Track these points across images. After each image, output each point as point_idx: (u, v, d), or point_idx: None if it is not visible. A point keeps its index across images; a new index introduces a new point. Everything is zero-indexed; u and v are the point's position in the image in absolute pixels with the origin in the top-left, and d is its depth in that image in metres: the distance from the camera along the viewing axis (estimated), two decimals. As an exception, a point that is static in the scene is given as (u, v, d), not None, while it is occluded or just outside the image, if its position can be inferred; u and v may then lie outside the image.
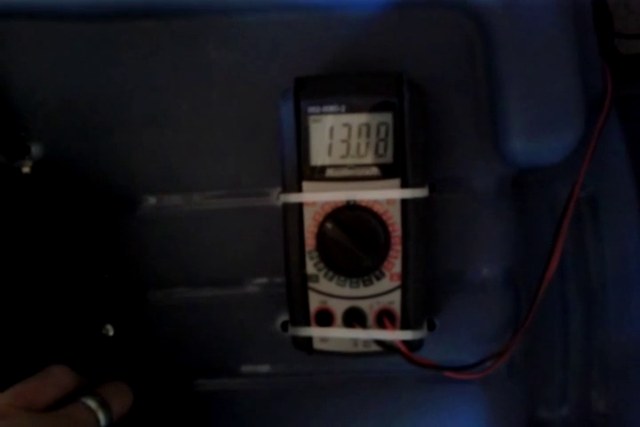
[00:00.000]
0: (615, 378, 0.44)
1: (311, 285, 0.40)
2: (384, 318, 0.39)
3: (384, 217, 0.39)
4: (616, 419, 0.44)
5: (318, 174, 0.39)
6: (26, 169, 0.43)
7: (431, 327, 0.43)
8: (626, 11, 0.85)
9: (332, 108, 0.38)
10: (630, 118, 0.47)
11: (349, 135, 0.38)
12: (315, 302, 0.40)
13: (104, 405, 0.35)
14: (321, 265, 0.39)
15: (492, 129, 0.43)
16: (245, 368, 0.44)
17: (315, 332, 0.40)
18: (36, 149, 0.44)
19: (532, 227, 0.45)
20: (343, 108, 0.38)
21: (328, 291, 0.39)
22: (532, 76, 0.41)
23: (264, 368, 0.44)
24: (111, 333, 0.43)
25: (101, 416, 0.35)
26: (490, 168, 0.43)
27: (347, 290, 0.39)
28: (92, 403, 0.35)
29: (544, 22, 0.41)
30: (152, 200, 0.44)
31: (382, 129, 0.38)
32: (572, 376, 0.45)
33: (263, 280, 0.44)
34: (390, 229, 0.39)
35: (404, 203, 0.38)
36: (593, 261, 0.45)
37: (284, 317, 0.43)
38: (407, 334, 0.39)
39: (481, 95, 0.43)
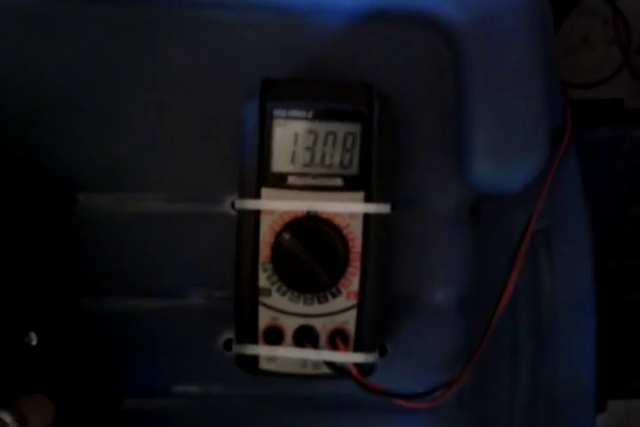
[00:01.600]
0: (561, 414, 0.44)
1: (262, 299, 0.37)
2: (337, 339, 0.37)
3: (345, 231, 0.37)
4: (560, 458, 0.43)
5: (279, 182, 0.37)
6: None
7: (382, 352, 0.41)
8: (572, 62, 0.88)
9: (298, 112, 0.37)
10: (580, 159, 0.48)
11: (315, 143, 0.37)
12: (264, 317, 0.37)
13: (21, 419, 0.32)
14: (274, 278, 0.37)
15: (455, 151, 0.42)
16: (180, 388, 0.41)
17: (262, 350, 0.37)
18: (-32, 138, 0.40)
19: (487, 256, 0.44)
20: (310, 113, 0.37)
21: (280, 307, 0.37)
22: (499, 100, 0.41)
23: (201, 389, 0.41)
24: (34, 342, 0.40)
25: (17, 432, 0.31)
26: (450, 191, 0.42)
27: (300, 307, 0.37)
28: (7, 417, 0.31)
29: (514, 44, 0.41)
30: (91, 198, 0.41)
31: (349, 139, 0.37)
32: (519, 408, 0.44)
33: (207, 293, 0.41)
34: (350, 244, 0.37)
35: (367, 218, 0.37)
36: (545, 294, 0.45)
37: (228, 334, 0.40)
38: (360, 357, 0.37)
39: (447, 115, 0.42)
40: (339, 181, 0.37)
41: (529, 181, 0.42)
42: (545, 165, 0.42)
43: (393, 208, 0.40)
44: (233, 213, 0.40)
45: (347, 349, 0.37)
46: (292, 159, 0.37)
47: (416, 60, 0.42)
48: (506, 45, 0.41)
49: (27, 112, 0.40)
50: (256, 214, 0.37)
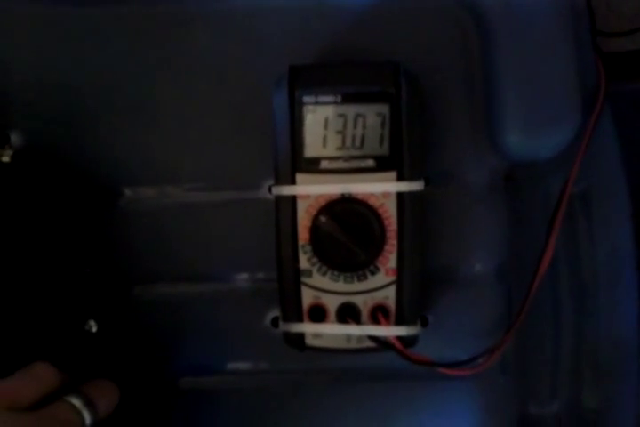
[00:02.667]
0: (605, 374, 0.44)
1: (304, 280, 0.38)
2: (378, 314, 0.38)
3: (380, 210, 0.38)
4: (606, 415, 0.44)
5: (312, 166, 0.38)
6: (5, 158, 0.42)
7: (424, 324, 0.42)
8: (606, 9, 0.85)
9: (327, 98, 0.37)
10: (617, 115, 0.47)
11: (345, 126, 0.37)
12: (308, 297, 0.39)
13: (89, 403, 0.34)
14: (314, 259, 0.38)
15: (486, 122, 0.42)
16: (232, 366, 0.43)
17: (307, 328, 0.39)
18: (15, 138, 0.42)
19: (524, 222, 0.44)
20: (339, 97, 0.37)
21: (321, 286, 0.38)
22: (528, 71, 0.41)
23: (252, 366, 0.43)
24: (94, 329, 0.42)
25: (86, 415, 0.33)
26: (483, 162, 0.43)
27: (340, 285, 0.38)
28: (76, 402, 0.34)
29: (542, 17, 0.40)
30: (136, 192, 0.43)
31: (378, 120, 0.37)
32: (563, 372, 0.44)
33: (252, 275, 0.43)
34: (386, 222, 0.38)
35: (401, 196, 0.38)
36: (585, 258, 0.45)
37: (274, 313, 0.42)
38: (402, 330, 0.38)
39: (477, 88, 0.42)
40: (371, 162, 0.38)
41: (563, 147, 0.42)
42: (579, 128, 0.42)
43: (426, 184, 0.40)
44: (271, 197, 0.41)
45: (388, 323, 0.38)
46: (324, 143, 0.38)
47: (443, 36, 0.42)
48: (532, 14, 0.40)
49: (70, 112, 0.42)
50: (292, 199, 0.38)
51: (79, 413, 0.33)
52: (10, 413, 0.31)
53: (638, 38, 0.77)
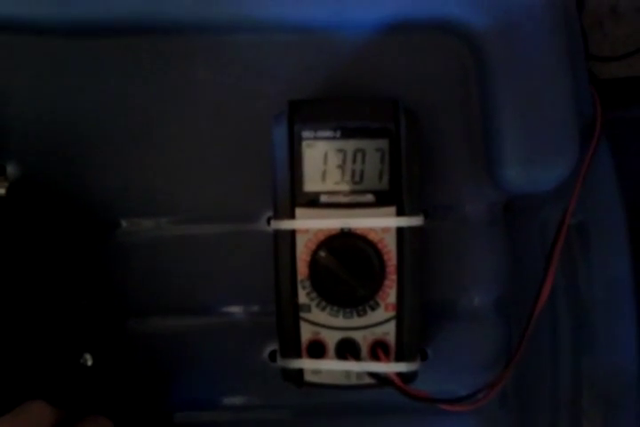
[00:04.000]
0: (604, 406, 0.44)
1: (303, 315, 0.38)
2: (378, 350, 0.38)
3: (379, 245, 0.38)
4: (606, 449, 0.44)
5: (312, 201, 0.38)
6: (1, 191, 0.41)
7: (423, 357, 0.42)
8: (601, 33, 0.86)
9: (326, 133, 0.37)
10: (614, 142, 0.47)
11: (344, 161, 0.37)
12: (306, 332, 0.38)
13: (85, 442, 0.33)
14: (313, 295, 0.38)
15: (485, 155, 0.42)
16: (228, 400, 0.43)
17: (306, 364, 0.38)
18: (12, 170, 0.41)
19: (522, 253, 0.44)
20: (338, 133, 0.37)
21: (320, 321, 0.38)
22: (526, 103, 0.41)
23: (249, 401, 0.43)
24: (90, 362, 0.41)
25: (82, 454, 0.33)
26: (482, 195, 0.43)
27: (340, 320, 0.38)
28: (72, 441, 0.33)
29: (539, 48, 0.41)
30: (133, 223, 0.42)
31: (378, 155, 0.37)
32: (563, 404, 0.44)
33: (249, 309, 0.42)
34: (385, 257, 0.38)
35: (400, 231, 0.38)
36: (583, 289, 0.45)
37: (272, 346, 0.42)
38: (402, 366, 0.38)
39: (475, 121, 0.42)
40: (370, 197, 0.37)
41: (561, 180, 0.42)
42: (577, 161, 0.42)
43: (425, 217, 0.40)
44: (269, 229, 0.40)
45: (388, 359, 0.38)
46: (324, 178, 0.38)
47: (441, 69, 0.42)
48: (530, 49, 0.40)
49: (67, 144, 0.42)
50: (292, 234, 0.38)
51: (74, 452, 0.33)
52: (4, 454, 0.31)
53: (633, 62, 0.77)
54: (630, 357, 0.44)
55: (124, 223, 0.42)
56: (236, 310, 0.42)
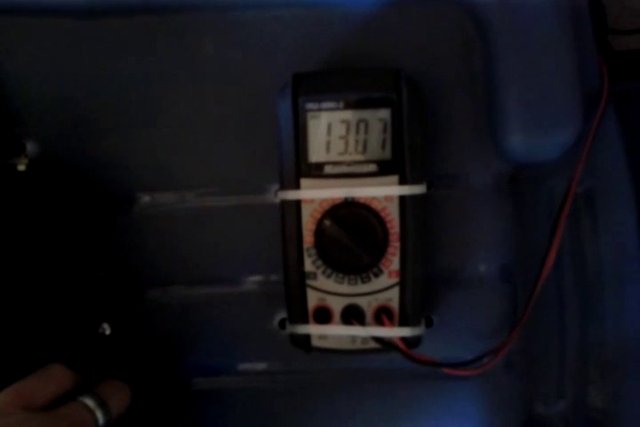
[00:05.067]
0: (611, 373, 0.44)
1: (309, 282, 0.39)
2: (382, 316, 0.39)
3: (382, 214, 0.38)
4: (613, 414, 0.44)
5: (316, 171, 0.39)
6: (21, 167, 0.43)
7: (429, 324, 0.43)
8: (620, 6, 0.85)
9: (329, 104, 0.38)
10: (625, 113, 0.47)
11: (347, 132, 0.38)
12: (313, 299, 0.39)
13: (102, 404, 0.35)
14: (319, 262, 0.39)
15: (489, 125, 0.43)
16: (242, 366, 0.44)
17: (313, 329, 0.39)
18: (31, 147, 0.43)
19: (529, 222, 0.45)
20: (341, 104, 0.38)
21: (326, 288, 0.39)
22: (530, 73, 0.41)
23: (261, 366, 0.44)
24: (108, 331, 0.43)
25: (99, 415, 0.35)
26: (487, 164, 0.43)
27: (345, 287, 0.39)
28: (90, 402, 0.35)
29: (542, 19, 0.41)
30: (148, 198, 0.44)
31: (380, 125, 0.38)
32: (569, 372, 0.45)
33: (260, 278, 0.44)
34: (388, 225, 0.39)
35: (403, 200, 0.38)
36: (590, 257, 0.45)
37: (282, 314, 0.43)
38: (405, 331, 0.39)
39: (478, 91, 0.43)
40: (373, 167, 0.38)
41: (566, 148, 0.42)
42: (582, 129, 0.42)
43: (429, 187, 0.41)
44: (277, 201, 0.41)
45: (392, 324, 0.39)
46: (328, 149, 0.38)
47: (444, 39, 0.43)
48: (532, 18, 0.40)
49: (84, 121, 0.43)
50: (297, 204, 0.39)
51: (92, 413, 0.34)
52: (25, 413, 0.32)
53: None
54: (637, 324, 0.45)
55: (138, 198, 0.44)
56: (248, 279, 0.44)
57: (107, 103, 0.43)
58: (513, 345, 0.42)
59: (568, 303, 0.45)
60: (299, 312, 0.40)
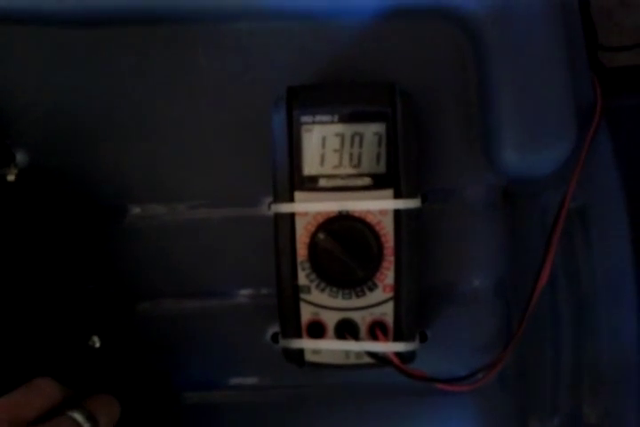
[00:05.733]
0: (606, 390, 0.44)
1: (303, 296, 0.39)
2: (376, 330, 0.39)
3: (377, 227, 0.38)
4: (607, 431, 0.44)
5: (310, 184, 0.38)
6: (10, 177, 0.43)
7: (423, 339, 0.42)
8: (609, 23, 0.86)
9: (324, 117, 0.38)
10: (617, 129, 0.47)
11: (342, 145, 0.38)
12: (306, 313, 0.39)
13: (91, 418, 0.34)
14: (313, 276, 0.39)
15: (483, 140, 0.43)
16: (234, 381, 0.44)
17: (306, 344, 0.39)
18: (21, 157, 0.43)
19: (522, 238, 0.45)
20: (336, 117, 0.38)
21: (320, 302, 0.39)
22: (524, 88, 0.41)
23: (253, 381, 0.43)
24: (97, 344, 0.43)
25: (88, 430, 0.34)
26: (481, 179, 0.43)
27: (339, 301, 0.39)
28: (78, 416, 0.34)
29: (536, 34, 0.41)
30: (138, 209, 0.43)
31: (375, 139, 0.38)
32: (563, 388, 0.44)
33: (252, 291, 0.43)
34: (383, 239, 0.38)
35: (397, 213, 0.38)
36: (583, 273, 0.45)
37: (274, 328, 0.43)
38: (400, 346, 0.39)
39: (472, 106, 0.43)
40: (368, 180, 0.38)
41: (559, 163, 0.42)
42: (576, 144, 0.42)
43: (423, 201, 0.41)
44: (271, 214, 0.41)
45: (386, 339, 0.39)
46: (322, 162, 0.38)
47: (439, 54, 0.43)
48: (526, 35, 0.41)
49: (74, 131, 0.43)
50: (291, 217, 0.39)
51: (80, 427, 0.34)
52: (12, 428, 0.32)
53: (640, 52, 0.77)
54: (631, 341, 0.44)
55: (128, 209, 0.43)
56: (240, 292, 0.43)
57: (97, 114, 0.43)
58: (507, 361, 0.41)
59: (562, 319, 0.45)
60: (292, 326, 0.39)
